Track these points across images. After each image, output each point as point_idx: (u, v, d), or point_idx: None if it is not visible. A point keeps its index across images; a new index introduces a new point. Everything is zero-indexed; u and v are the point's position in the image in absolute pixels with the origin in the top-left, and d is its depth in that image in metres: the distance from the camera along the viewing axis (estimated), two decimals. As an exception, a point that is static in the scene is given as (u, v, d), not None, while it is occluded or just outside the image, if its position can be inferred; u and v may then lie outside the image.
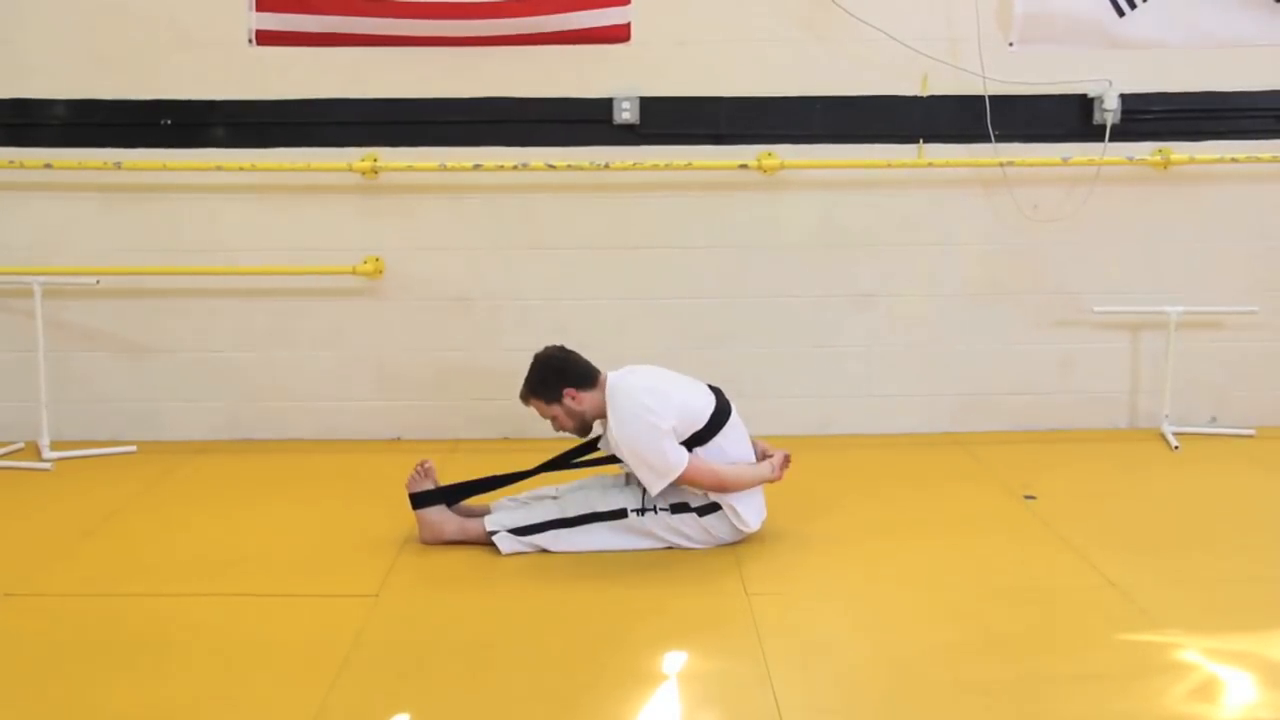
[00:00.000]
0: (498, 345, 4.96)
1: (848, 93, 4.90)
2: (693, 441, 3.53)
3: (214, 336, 5.00)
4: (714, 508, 3.57)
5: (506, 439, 4.98)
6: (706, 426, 3.55)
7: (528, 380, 3.66)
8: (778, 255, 4.99)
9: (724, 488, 3.53)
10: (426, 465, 3.71)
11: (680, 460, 3.43)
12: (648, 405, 3.47)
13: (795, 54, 4.88)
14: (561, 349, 3.71)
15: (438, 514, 3.66)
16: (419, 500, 3.66)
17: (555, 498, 3.70)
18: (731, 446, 3.61)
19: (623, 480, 3.74)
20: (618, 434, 3.49)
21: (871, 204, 4.98)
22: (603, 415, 3.60)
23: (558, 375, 3.61)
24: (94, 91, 4.84)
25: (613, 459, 3.62)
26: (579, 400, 3.59)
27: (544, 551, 3.58)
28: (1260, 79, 4.94)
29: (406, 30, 4.74)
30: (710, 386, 3.72)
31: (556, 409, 3.61)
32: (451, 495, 3.70)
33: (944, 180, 4.97)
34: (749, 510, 3.61)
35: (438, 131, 4.88)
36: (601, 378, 3.65)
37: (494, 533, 3.58)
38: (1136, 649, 2.93)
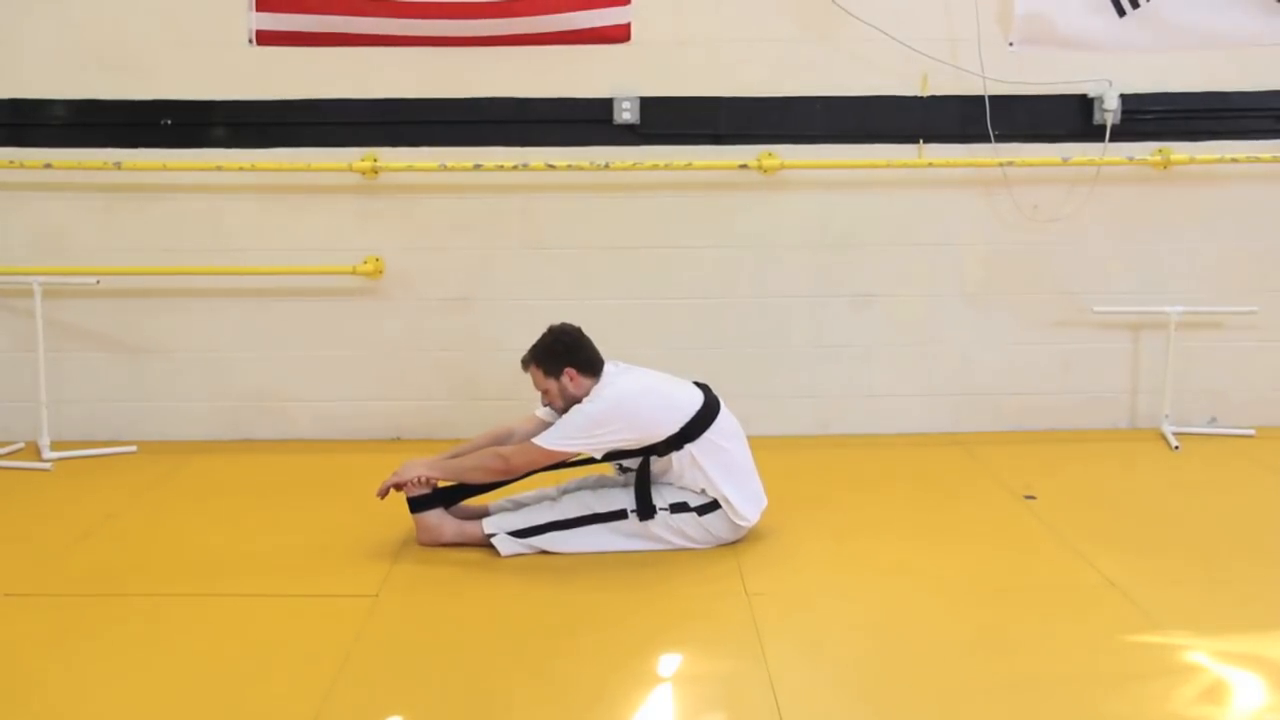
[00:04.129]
0: (498, 345, 4.95)
1: (848, 93, 4.90)
2: (682, 438, 3.54)
3: (214, 336, 5.00)
4: (713, 506, 3.57)
5: (506, 439, 4.98)
6: (694, 422, 3.55)
7: (536, 347, 3.66)
8: (778, 255, 4.99)
9: (467, 471, 3.63)
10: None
11: (554, 446, 3.50)
12: (614, 416, 3.52)
13: (795, 54, 4.88)
14: (578, 330, 3.71)
15: (436, 517, 3.66)
16: (417, 504, 3.65)
17: (554, 499, 3.70)
18: (727, 442, 3.61)
19: (620, 481, 3.74)
20: (584, 404, 3.55)
21: (872, 204, 4.98)
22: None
23: (566, 352, 3.63)
24: (94, 91, 4.84)
25: (608, 458, 3.62)
26: (576, 383, 3.61)
27: (544, 553, 3.58)
28: (1260, 79, 4.94)
29: (406, 30, 4.75)
30: (697, 384, 3.73)
31: (552, 384, 3.62)
32: (449, 497, 3.70)
33: (944, 180, 4.97)
34: (744, 502, 3.61)
35: (438, 131, 4.88)
36: (605, 367, 3.68)
37: (492, 535, 3.58)
38: (1136, 649, 2.93)
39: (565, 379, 3.61)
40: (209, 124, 4.87)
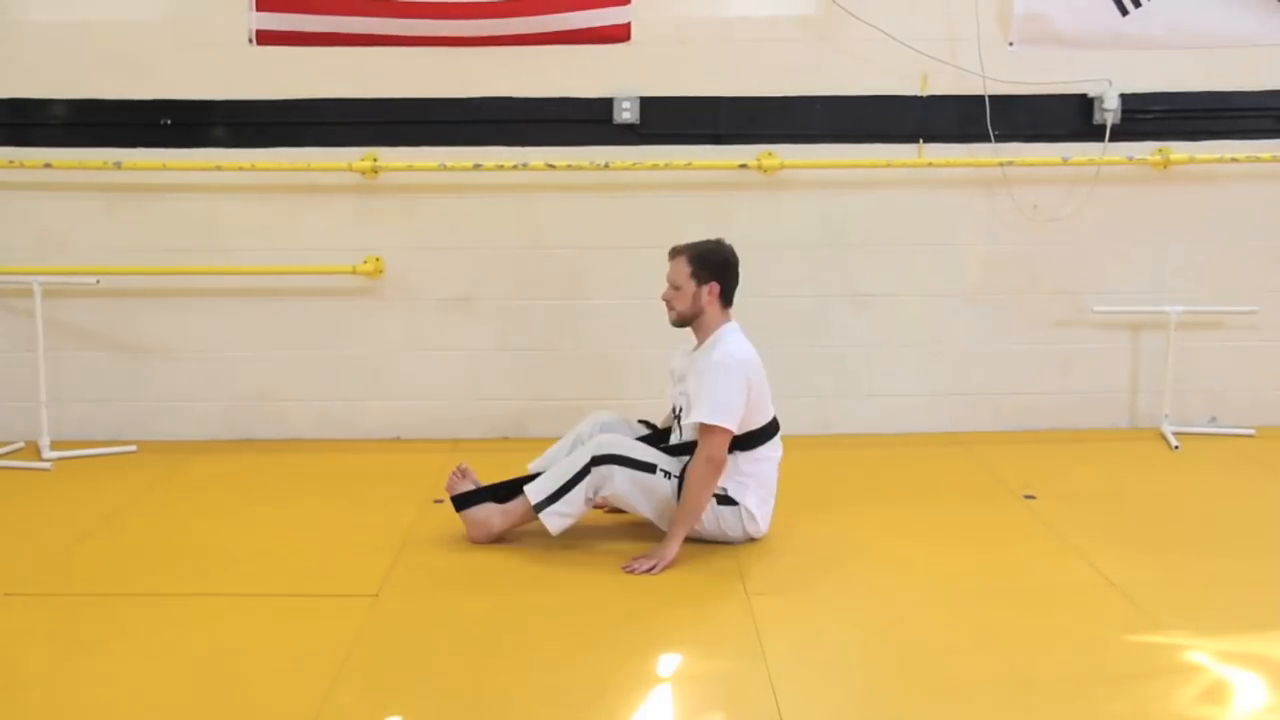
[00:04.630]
0: (498, 345, 4.95)
1: (848, 93, 4.90)
2: (747, 442, 3.54)
3: (214, 336, 5.00)
4: (732, 501, 3.57)
5: (506, 439, 4.97)
6: (762, 430, 3.56)
7: (698, 245, 3.63)
8: (778, 255, 4.98)
9: (692, 500, 3.46)
10: (463, 466, 3.71)
11: (730, 422, 3.42)
12: (749, 371, 3.49)
13: (795, 54, 4.88)
14: (736, 262, 3.66)
15: (485, 511, 3.63)
16: (462, 501, 3.64)
17: (581, 444, 3.63)
18: (769, 460, 3.61)
19: (645, 435, 3.73)
20: (713, 361, 3.49)
21: (871, 204, 4.98)
22: (700, 332, 3.64)
23: (721, 269, 3.60)
24: (94, 91, 4.83)
25: (674, 452, 3.58)
26: (708, 302, 3.59)
27: (590, 504, 3.52)
28: (1260, 79, 4.94)
29: (406, 30, 4.74)
30: None
31: (689, 287, 3.58)
32: (498, 493, 3.66)
33: (944, 180, 4.97)
34: (764, 515, 3.63)
35: (438, 131, 4.88)
36: (729, 312, 3.66)
37: (539, 509, 3.50)
38: (1137, 649, 2.93)
39: (705, 291, 3.57)
40: (209, 124, 4.87)
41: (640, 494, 3.52)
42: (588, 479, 3.49)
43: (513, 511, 3.60)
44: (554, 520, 3.52)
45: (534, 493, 3.53)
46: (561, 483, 3.51)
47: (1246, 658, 2.86)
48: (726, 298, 3.63)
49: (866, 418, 5.10)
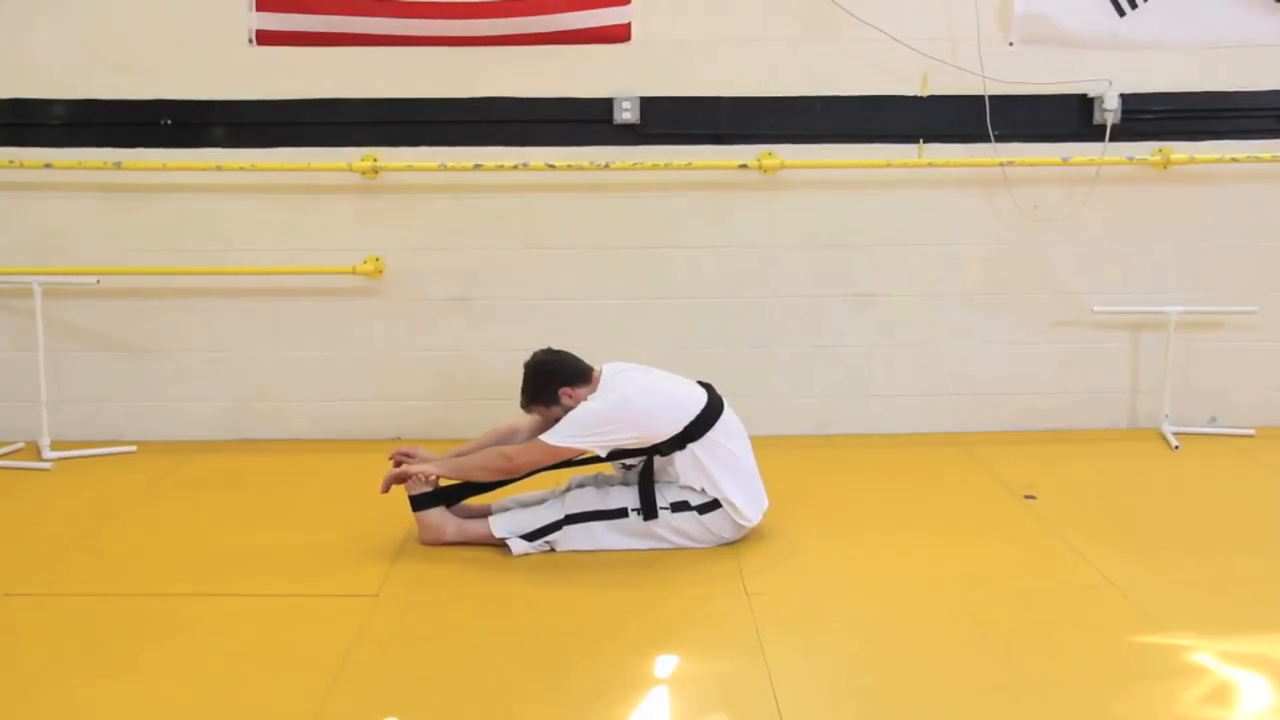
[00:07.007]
0: (498, 345, 4.95)
1: (848, 93, 4.90)
2: (685, 438, 3.55)
3: (214, 336, 5.00)
4: (714, 505, 3.57)
5: (506, 439, 4.98)
6: (697, 421, 3.56)
7: (524, 390, 3.70)
8: (778, 255, 4.99)
9: (474, 469, 3.65)
10: (432, 479, 3.71)
11: (557, 442, 3.51)
12: (618, 414, 3.53)
13: (795, 54, 4.88)
14: (549, 351, 3.75)
15: (438, 515, 3.66)
16: (419, 502, 3.66)
17: (559, 498, 3.70)
18: (729, 442, 3.62)
19: (621, 479, 3.74)
20: (589, 401, 3.58)
21: (871, 204, 4.98)
22: None
23: (551, 378, 3.65)
24: (94, 91, 4.84)
25: (610, 457, 3.63)
26: (576, 398, 3.62)
27: (552, 550, 3.59)
28: (1260, 79, 4.94)
29: (406, 30, 4.75)
30: (701, 383, 3.74)
31: (557, 411, 3.63)
32: (451, 496, 3.70)
33: (944, 180, 4.97)
34: (746, 503, 3.62)
35: (438, 131, 4.88)
36: (596, 372, 3.69)
37: (505, 538, 3.59)
38: (1137, 649, 2.93)
39: (565, 400, 3.63)
40: (209, 124, 4.87)
41: (623, 535, 3.61)
42: (557, 534, 3.58)
43: (470, 530, 3.66)
44: (518, 544, 3.58)
45: (500, 528, 3.61)
46: (532, 529, 3.59)
47: (1247, 658, 2.86)
48: (578, 378, 3.66)
49: (866, 418, 5.10)
